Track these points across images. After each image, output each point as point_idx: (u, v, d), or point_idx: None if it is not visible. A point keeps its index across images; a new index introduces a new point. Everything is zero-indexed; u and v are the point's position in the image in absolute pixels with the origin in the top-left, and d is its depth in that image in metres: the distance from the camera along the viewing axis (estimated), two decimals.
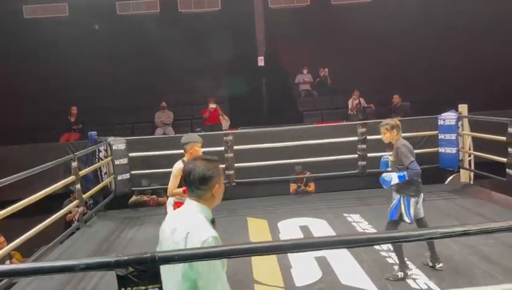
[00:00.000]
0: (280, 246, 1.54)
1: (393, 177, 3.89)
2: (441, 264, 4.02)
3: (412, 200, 3.97)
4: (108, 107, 11.30)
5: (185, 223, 1.79)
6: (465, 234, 1.51)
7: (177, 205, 3.89)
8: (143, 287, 1.52)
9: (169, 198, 4.02)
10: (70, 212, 6.36)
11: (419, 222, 4.06)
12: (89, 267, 1.48)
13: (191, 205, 1.85)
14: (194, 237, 1.71)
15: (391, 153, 4.18)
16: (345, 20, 12.79)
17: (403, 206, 3.96)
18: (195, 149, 3.83)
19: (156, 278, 1.51)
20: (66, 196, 6.63)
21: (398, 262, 4.01)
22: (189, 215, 1.83)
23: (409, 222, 3.97)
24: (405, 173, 3.86)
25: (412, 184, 3.95)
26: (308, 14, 13.39)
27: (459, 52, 11.66)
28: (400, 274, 3.93)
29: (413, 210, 3.98)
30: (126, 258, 1.47)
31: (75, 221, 6.52)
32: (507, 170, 5.72)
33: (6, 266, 1.59)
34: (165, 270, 1.56)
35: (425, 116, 7.47)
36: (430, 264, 4.06)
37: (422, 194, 4.06)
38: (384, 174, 3.98)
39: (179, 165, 3.77)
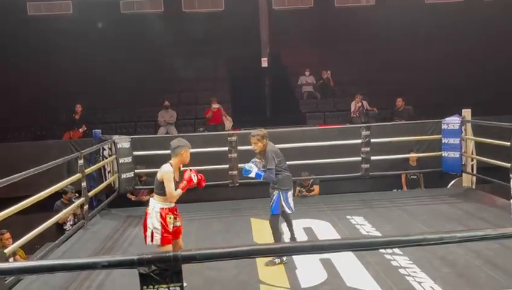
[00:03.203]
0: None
1: (252, 171, 4.51)
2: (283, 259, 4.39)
3: (289, 193, 4.63)
4: (111, 106, 11.31)
5: None
6: (483, 238, 1.53)
7: (164, 210, 3.72)
8: (164, 286, 1.54)
9: (153, 206, 3.74)
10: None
11: (284, 214, 4.71)
12: (111, 265, 1.50)
13: None
14: None
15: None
16: (348, 22, 12.86)
17: (283, 201, 4.57)
18: (187, 154, 3.84)
19: (178, 277, 1.53)
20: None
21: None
22: None
23: (290, 212, 4.66)
24: (262, 173, 4.50)
25: (285, 180, 4.58)
26: (311, 16, 13.44)
27: (463, 56, 11.70)
28: (277, 260, 4.38)
29: (292, 201, 4.65)
30: (149, 256, 1.48)
31: (67, 222, 6.41)
32: (511, 175, 5.74)
33: (32, 262, 1.60)
34: None
35: (428, 120, 7.49)
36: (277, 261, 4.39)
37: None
38: (248, 165, 4.57)
39: (169, 169, 3.73)
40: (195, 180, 3.84)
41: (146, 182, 7.35)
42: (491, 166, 6.53)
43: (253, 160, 4.67)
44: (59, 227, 6.27)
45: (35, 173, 4.54)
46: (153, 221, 3.70)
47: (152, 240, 3.69)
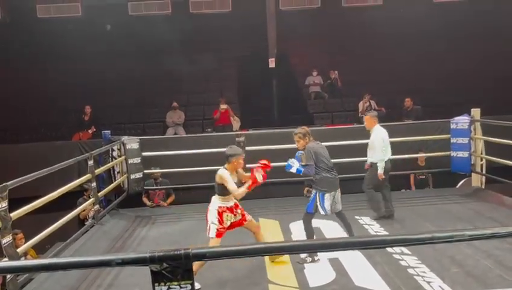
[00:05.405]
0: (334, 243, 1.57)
1: (294, 166, 4.57)
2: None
3: (327, 195, 4.59)
4: (119, 107, 11.39)
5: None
6: (492, 236, 1.54)
7: (222, 208, 4.11)
8: (176, 283, 1.57)
9: (213, 204, 4.15)
10: (83, 210, 6.42)
11: (339, 215, 4.78)
12: (124, 263, 1.52)
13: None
14: None
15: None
16: (356, 22, 12.84)
17: (318, 201, 4.59)
18: (239, 161, 4.14)
19: (189, 274, 1.56)
20: (80, 194, 6.69)
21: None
22: None
23: (324, 213, 4.64)
24: (302, 169, 4.56)
25: (323, 181, 4.57)
26: (319, 17, 13.44)
27: (471, 56, 11.62)
28: (309, 259, 4.42)
29: (329, 204, 4.60)
30: (161, 254, 1.51)
31: (88, 218, 6.60)
32: None
33: (46, 260, 1.64)
34: None
35: (437, 120, 7.45)
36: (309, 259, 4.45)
37: (338, 190, 4.68)
38: (291, 160, 4.61)
39: (224, 171, 4.08)
40: (259, 179, 4.09)
41: (161, 183, 7.28)
42: (500, 166, 6.49)
43: (298, 153, 4.73)
44: (81, 223, 6.52)
45: (46, 174, 4.60)
46: (211, 216, 4.12)
47: (209, 233, 4.10)
